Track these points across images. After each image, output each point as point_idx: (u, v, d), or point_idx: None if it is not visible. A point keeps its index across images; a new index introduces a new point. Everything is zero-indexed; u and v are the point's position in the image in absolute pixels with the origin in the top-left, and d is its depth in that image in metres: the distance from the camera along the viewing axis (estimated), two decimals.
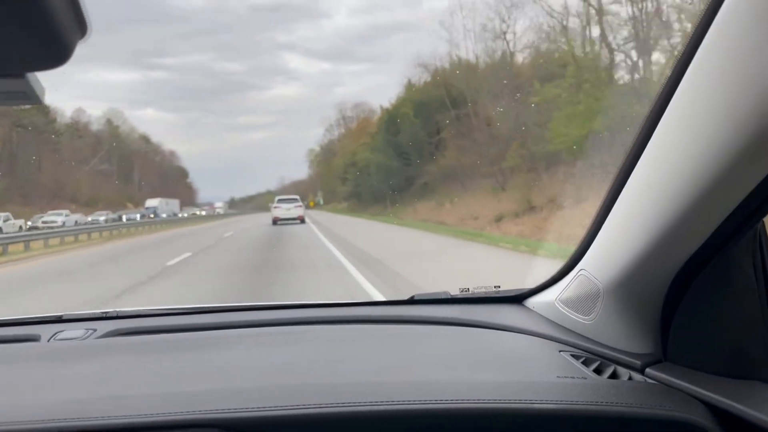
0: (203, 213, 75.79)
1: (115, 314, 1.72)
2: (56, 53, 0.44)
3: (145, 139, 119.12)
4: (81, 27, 0.44)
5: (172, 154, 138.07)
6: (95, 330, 1.52)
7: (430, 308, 1.73)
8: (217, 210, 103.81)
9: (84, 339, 1.48)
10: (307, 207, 54.53)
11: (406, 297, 1.86)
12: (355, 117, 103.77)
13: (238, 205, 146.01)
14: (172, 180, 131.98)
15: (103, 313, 1.73)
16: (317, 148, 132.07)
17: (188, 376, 1.22)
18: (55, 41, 0.43)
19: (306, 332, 1.55)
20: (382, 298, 4.41)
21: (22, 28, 0.42)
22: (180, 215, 60.59)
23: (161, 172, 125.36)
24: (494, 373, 1.26)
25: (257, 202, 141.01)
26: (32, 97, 0.50)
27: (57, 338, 1.48)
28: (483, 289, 1.80)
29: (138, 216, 55.56)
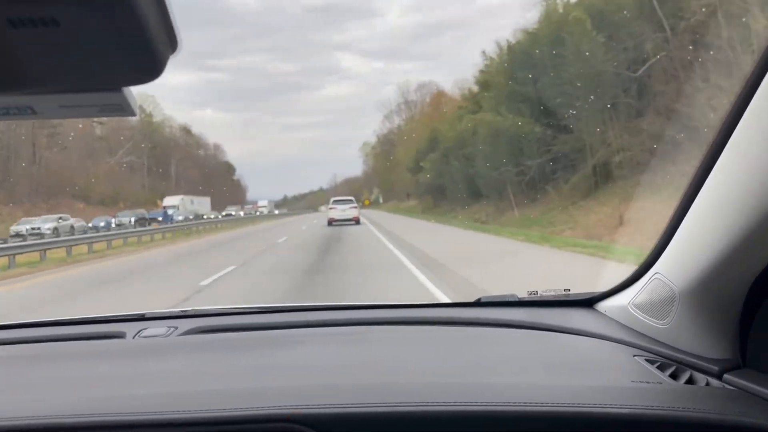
0: (241, 214, 61.65)
1: (193, 313, 1.73)
2: (150, 68, 0.46)
3: (186, 131, 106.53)
4: (172, 43, 0.46)
5: (218, 147, 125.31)
6: (176, 328, 1.53)
7: (497, 311, 1.67)
8: (260, 210, 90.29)
9: (167, 336, 1.48)
10: (362, 206, 50.56)
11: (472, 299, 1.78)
12: (418, 101, 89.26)
13: (291, 204, 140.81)
14: (217, 176, 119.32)
15: (182, 311, 1.75)
16: (371, 141, 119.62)
17: (263, 372, 1.24)
18: (148, 57, 0.45)
19: (374, 332, 1.53)
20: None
21: (119, 45, 0.44)
22: (209, 216, 46.25)
23: (204, 167, 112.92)
24: (566, 377, 1.23)
25: (309, 201, 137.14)
26: (127, 109, 0.51)
27: (141, 335, 1.49)
28: (552, 293, 1.71)
29: (156, 217, 42.02)
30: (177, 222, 36.03)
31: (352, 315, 1.74)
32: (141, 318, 1.70)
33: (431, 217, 34.60)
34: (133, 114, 0.52)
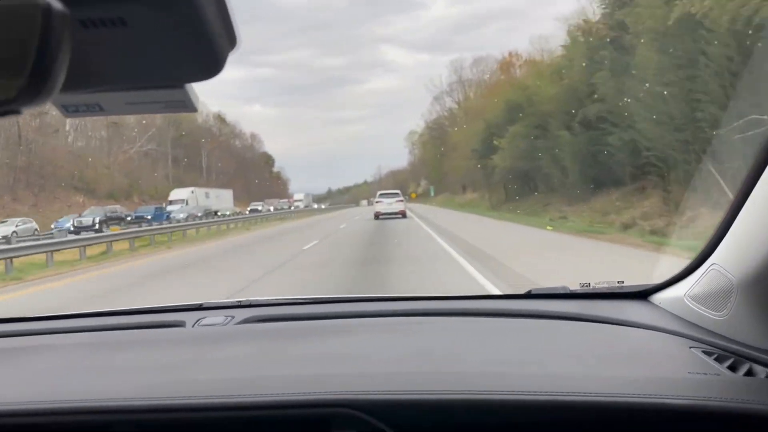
0: (271, 209, 51.91)
1: (248, 303, 1.75)
2: (211, 65, 0.46)
3: (220, 119, 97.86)
4: (231, 39, 0.47)
5: (255, 137, 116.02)
6: (233, 317, 1.56)
7: (548, 303, 1.66)
8: (296, 204, 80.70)
9: (224, 325, 1.52)
10: (409, 200, 47.09)
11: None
12: (474, 80, 78.07)
13: (335, 197, 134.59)
14: (254, 167, 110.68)
15: (238, 301, 1.77)
16: (418, 130, 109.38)
17: (319, 360, 1.26)
18: (209, 54, 0.46)
19: (427, 323, 1.54)
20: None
21: (182, 42, 0.45)
22: (224, 213, 36.49)
23: (240, 158, 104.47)
24: (621, 368, 1.22)
25: (353, 194, 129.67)
26: (189, 105, 0.53)
27: (200, 324, 1.53)
28: (605, 284, 1.70)
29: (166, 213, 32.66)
30: (175, 222, 26.09)
31: (404, 306, 1.71)
32: (199, 308, 1.69)
33: (516, 216, 23.51)
34: (194, 110, 0.53)
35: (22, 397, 1.09)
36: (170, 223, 26.53)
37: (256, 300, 1.81)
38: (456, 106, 77.13)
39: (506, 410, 1.03)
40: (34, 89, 0.38)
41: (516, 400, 1.03)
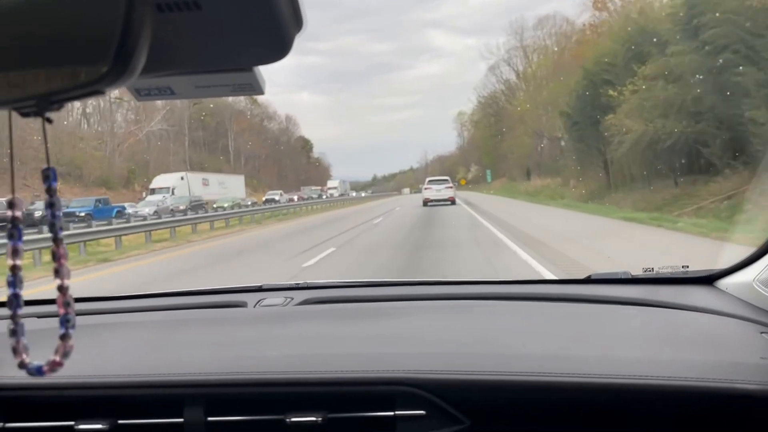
0: (295, 199, 42.44)
1: (306, 285, 1.78)
2: (278, 47, 0.47)
3: (251, 99, 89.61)
4: (297, 21, 0.47)
5: (290, 120, 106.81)
6: (292, 298, 1.60)
7: (609, 288, 1.61)
8: (330, 192, 71.04)
9: (284, 306, 1.56)
10: (457, 187, 41.03)
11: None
12: (533, 46, 66.37)
13: (380, 184, 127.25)
14: (290, 153, 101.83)
15: (296, 284, 1.81)
16: (468, 110, 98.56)
17: (380, 340, 1.27)
18: (277, 36, 0.46)
19: (484, 306, 1.52)
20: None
21: (252, 25, 0.45)
22: (223, 206, 27.01)
23: (274, 142, 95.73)
24: (688, 352, 1.18)
25: (398, 181, 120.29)
26: (257, 88, 0.53)
27: (261, 305, 1.56)
28: (669, 269, 1.65)
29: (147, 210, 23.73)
30: (134, 220, 16.70)
31: (461, 290, 1.71)
32: (259, 289, 1.72)
33: (664, 220, 12.68)
34: (261, 92, 0.53)
35: (99, 371, 1.11)
36: (127, 221, 17.09)
37: (314, 282, 1.81)
38: (515, 78, 65.45)
39: (569, 392, 1.02)
40: (118, 70, 0.38)
41: (580, 382, 1.01)
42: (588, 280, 1.70)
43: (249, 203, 36.21)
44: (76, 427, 1.06)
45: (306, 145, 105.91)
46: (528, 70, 58.31)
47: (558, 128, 35.37)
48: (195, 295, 1.77)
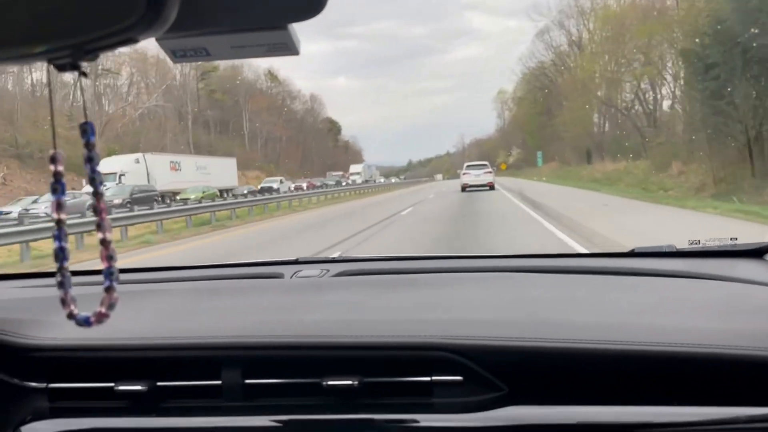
0: (304, 187, 34.68)
1: (342, 258, 1.81)
2: (313, 3, 0.46)
3: (271, 75, 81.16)
4: None
5: (315, 99, 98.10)
6: (329, 270, 1.61)
7: (653, 261, 1.57)
8: (353, 177, 62.70)
9: (321, 277, 1.57)
10: (497, 173, 39.94)
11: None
12: (592, 4, 56.15)
13: (415, 169, 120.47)
14: (315, 134, 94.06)
15: (332, 258, 1.83)
16: (508, 89, 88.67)
17: (417, 308, 1.25)
18: None
19: (525, 278, 1.48)
20: None
21: None
22: (190, 197, 18.96)
23: (297, 123, 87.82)
24: (742, 322, 1.13)
25: (434, 166, 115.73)
26: (292, 48, 0.51)
27: (298, 276, 1.58)
28: (717, 242, 1.60)
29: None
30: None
31: (501, 263, 1.66)
32: (295, 262, 1.73)
33: None
34: (297, 52, 0.52)
35: (138, 334, 1.13)
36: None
37: (350, 256, 1.84)
38: (567, 46, 55.62)
39: (613, 360, 0.99)
40: (150, 17, 0.38)
41: (625, 350, 0.98)
42: (631, 254, 1.63)
43: (245, 192, 28.47)
44: (116, 388, 1.07)
45: (333, 127, 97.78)
46: (586, 31, 48.39)
47: (634, 96, 26.29)
48: (233, 267, 1.76)
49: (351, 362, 1.06)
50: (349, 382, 1.03)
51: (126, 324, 1.15)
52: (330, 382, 1.04)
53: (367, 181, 58.88)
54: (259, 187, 33.49)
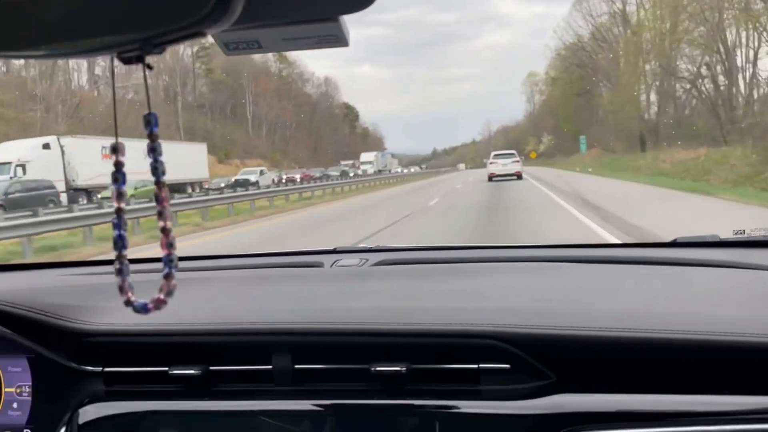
0: (297, 178, 28.56)
1: (380, 248, 1.81)
2: None
3: (281, 56, 75.13)
4: None
5: (330, 82, 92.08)
6: (368, 260, 1.61)
7: (696, 251, 1.55)
8: (363, 167, 56.17)
9: (360, 266, 1.57)
10: (527, 162, 39.38)
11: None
12: None
13: (440, 158, 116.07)
14: (329, 120, 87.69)
15: (369, 247, 1.84)
16: (539, 71, 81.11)
17: (461, 296, 1.25)
18: None
19: (567, 268, 1.47)
20: None
21: None
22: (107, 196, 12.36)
23: (308, 108, 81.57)
24: None
25: (459, 154, 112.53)
26: (342, 39, 0.51)
27: (337, 265, 1.59)
28: (762, 232, 1.58)
29: None
30: None
31: (539, 253, 1.66)
32: (333, 251, 1.73)
33: None
34: (346, 44, 0.52)
35: (190, 320, 1.15)
36: None
37: (388, 246, 1.83)
38: (608, 16, 48.15)
39: (662, 349, 0.99)
40: (220, 10, 0.39)
41: (675, 339, 0.98)
42: (673, 244, 1.63)
43: (221, 185, 22.63)
44: (170, 372, 1.09)
45: (350, 112, 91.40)
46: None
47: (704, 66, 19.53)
48: (271, 256, 1.79)
49: (398, 349, 1.07)
50: (397, 368, 1.04)
51: (178, 310, 1.15)
52: (378, 368, 1.05)
53: (380, 171, 52.40)
54: (234, 179, 27.26)
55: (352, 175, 40.76)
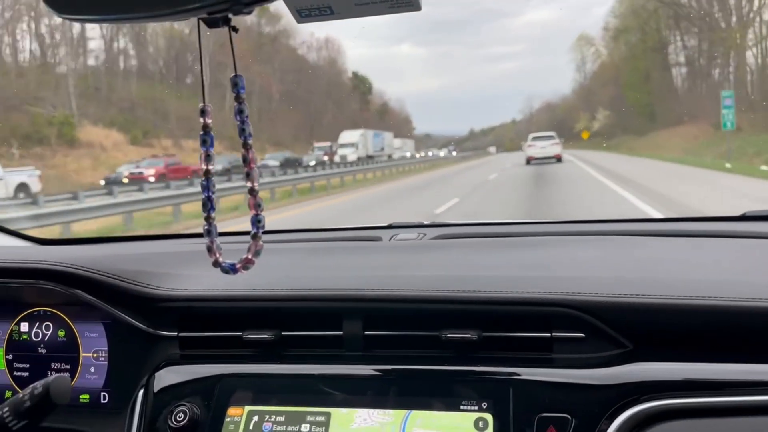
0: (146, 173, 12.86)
1: (437, 223, 1.78)
2: None
3: (269, 15, 59.85)
4: None
5: (332, 45, 76.64)
6: (426, 234, 1.60)
7: (765, 225, 1.54)
8: (341, 153, 39.47)
9: (419, 239, 1.56)
10: (578, 145, 38.48)
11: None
12: None
13: (476, 139, 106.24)
14: (330, 91, 72.29)
15: (425, 222, 1.80)
16: (591, 33, 64.61)
17: (528, 266, 1.23)
18: None
19: (634, 241, 1.44)
20: None
21: None
22: None
23: (303, 76, 66.49)
24: None
25: (497, 134, 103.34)
26: (414, 4, 0.50)
27: (396, 239, 1.58)
28: None
29: None
30: None
31: (605, 227, 1.61)
32: (390, 227, 1.72)
33: None
34: (419, 8, 0.50)
35: (267, 286, 1.17)
36: None
37: (444, 221, 1.78)
38: None
39: (740, 317, 0.98)
40: None
41: (751, 306, 0.97)
42: (743, 217, 1.61)
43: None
44: (244, 336, 1.12)
45: (360, 84, 75.94)
46: None
47: None
48: (330, 231, 1.77)
49: (469, 317, 1.07)
50: (469, 336, 1.05)
51: (251, 277, 1.16)
52: (449, 335, 1.05)
53: (371, 158, 36.93)
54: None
55: (313, 164, 26.03)
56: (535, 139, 27.85)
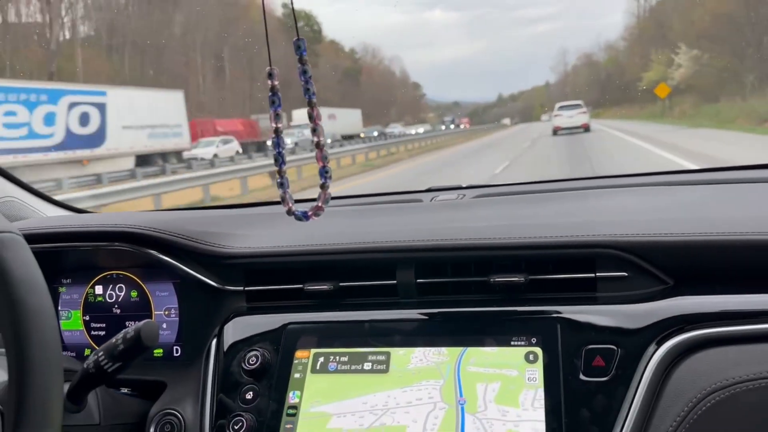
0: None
1: (475, 185, 1.89)
2: None
3: None
4: None
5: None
6: (465, 194, 1.72)
7: None
8: (194, 153, 22.81)
9: (459, 199, 1.69)
10: (649, 105, 34.93)
11: None
12: None
13: (503, 105, 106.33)
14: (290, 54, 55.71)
15: (464, 185, 1.93)
16: None
17: (570, 213, 1.34)
18: None
19: (673, 189, 1.51)
20: None
21: None
22: None
23: (253, 34, 50.14)
24: None
25: (525, 99, 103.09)
26: None
27: (436, 200, 1.71)
28: None
29: None
30: None
31: (643, 180, 1.71)
32: (429, 190, 1.85)
33: None
34: None
35: (324, 241, 1.28)
36: None
37: (482, 183, 1.90)
38: None
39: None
40: None
41: None
42: None
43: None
44: (305, 288, 1.26)
45: (341, 52, 55.74)
46: None
47: None
48: (370, 197, 1.92)
49: (516, 262, 1.18)
50: (516, 279, 1.15)
51: (306, 236, 1.33)
52: (497, 279, 1.16)
53: (261, 148, 21.44)
54: None
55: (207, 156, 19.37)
56: (561, 108, 29.55)
